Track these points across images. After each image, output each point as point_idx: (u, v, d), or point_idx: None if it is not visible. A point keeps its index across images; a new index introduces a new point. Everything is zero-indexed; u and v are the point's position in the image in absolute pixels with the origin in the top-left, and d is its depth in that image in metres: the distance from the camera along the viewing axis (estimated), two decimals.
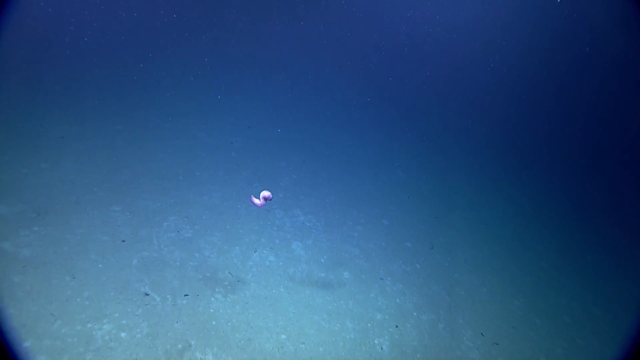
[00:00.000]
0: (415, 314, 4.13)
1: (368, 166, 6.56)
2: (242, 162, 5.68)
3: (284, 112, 6.53)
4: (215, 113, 6.34)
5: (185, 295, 3.60)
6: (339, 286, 4.22)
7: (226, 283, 3.85)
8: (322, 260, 4.47)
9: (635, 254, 5.80)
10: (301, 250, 4.52)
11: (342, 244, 4.82)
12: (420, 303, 4.26)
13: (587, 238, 5.77)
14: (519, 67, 8.42)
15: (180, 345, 3.21)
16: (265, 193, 3.48)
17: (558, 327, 4.58)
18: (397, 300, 4.22)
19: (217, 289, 3.75)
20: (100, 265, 3.62)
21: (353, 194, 5.81)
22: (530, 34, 8.85)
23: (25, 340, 2.92)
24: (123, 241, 3.92)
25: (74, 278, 3.44)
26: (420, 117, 6.81)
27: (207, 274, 3.88)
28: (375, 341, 3.77)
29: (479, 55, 8.63)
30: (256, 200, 3.53)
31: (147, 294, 3.49)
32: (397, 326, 3.97)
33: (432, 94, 7.30)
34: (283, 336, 3.53)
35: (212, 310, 3.54)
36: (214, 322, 3.45)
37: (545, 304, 4.78)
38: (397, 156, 6.85)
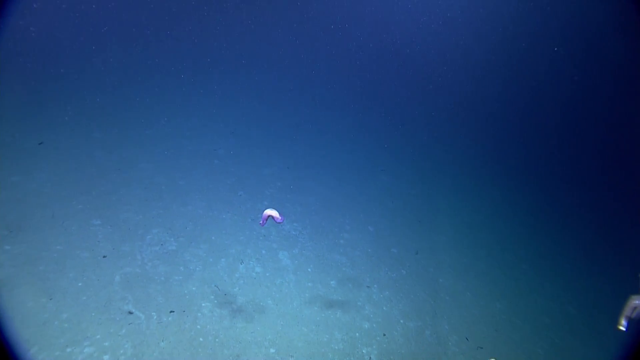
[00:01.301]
0: (402, 321, 4.17)
1: (352, 171, 6.58)
2: (226, 170, 5.60)
3: (267, 118, 6.46)
4: (198, 119, 6.20)
5: (171, 311, 3.53)
6: (326, 296, 4.22)
7: (213, 297, 3.79)
8: (309, 270, 4.46)
9: (607, 254, 6.04)
10: (288, 260, 4.50)
11: (329, 252, 4.82)
12: (406, 310, 4.31)
13: (563, 240, 5.97)
14: (502, 72, 8.59)
15: None
16: (272, 213, 3.40)
17: (538, 328, 4.73)
18: (384, 308, 4.26)
19: (203, 304, 3.69)
20: (79, 284, 3.50)
21: (338, 200, 5.82)
22: (511, 37, 9.04)
23: None
24: (104, 257, 3.80)
25: (51, 299, 3.31)
26: (403, 120, 6.87)
27: (193, 289, 3.81)
28: (364, 350, 3.79)
29: (463, 59, 8.75)
30: (270, 213, 3.47)
31: (130, 313, 3.40)
32: (384, 334, 4.00)
33: (415, 98, 7.38)
34: (272, 350, 3.51)
35: (199, 327, 3.48)
36: (201, 339, 3.39)
37: (526, 306, 4.92)
38: (381, 160, 6.89)
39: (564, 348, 4.61)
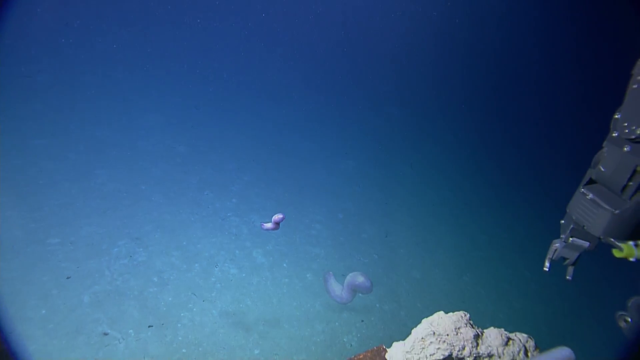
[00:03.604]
0: (377, 305, 4.35)
1: (317, 158, 6.54)
2: (189, 169, 5.38)
3: (227, 108, 6.20)
4: (153, 115, 5.81)
5: (149, 326, 3.44)
6: (303, 290, 4.29)
7: (191, 305, 3.74)
8: (285, 265, 4.49)
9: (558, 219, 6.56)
10: (262, 258, 4.49)
11: (302, 244, 4.86)
12: (381, 294, 4.49)
13: (519, 212, 6.40)
14: (468, 60, 8.70)
15: None
16: (277, 217, 3.09)
17: (499, 295, 5.13)
18: (360, 295, 4.41)
19: (182, 314, 3.63)
20: (43, 312, 3.30)
21: (307, 190, 5.81)
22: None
23: None
24: (68, 278, 3.59)
25: (12, 333, 3.11)
26: (363, 104, 6.90)
27: (170, 299, 3.73)
28: (344, 339, 3.93)
29: (432, 42, 8.71)
30: (268, 225, 3.20)
31: (105, 334, 3.28)
32: (362, 320, 4.16)
33: (368, 81, 7.40)
34: (256, 351, 3.55)
35: (180, 338, 3.43)
36: (184, 350, 3.36)
37: (488, 275, 5.30)
38: (344, 145, 6.90)
39: (520, 310, 5.06)
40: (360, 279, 2.67)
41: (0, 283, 3.50)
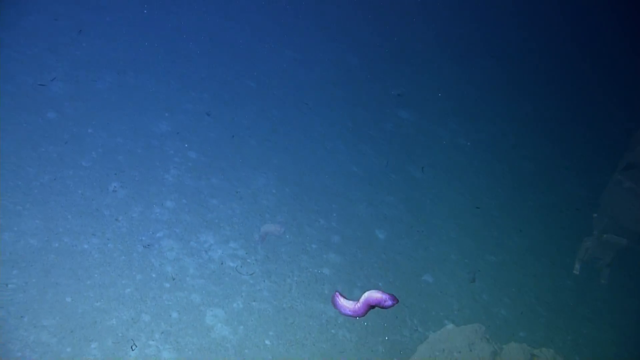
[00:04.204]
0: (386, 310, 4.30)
1: (327, 162, 6.40)
2: (201, 175, 5.33)
3: (236, 114, 6.15)
4: (164, 123, 5.78)
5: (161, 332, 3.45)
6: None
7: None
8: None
9: (573, 222, 6.41)
10: (198, 298, 4.45)
11: (315, 251, 4.79)
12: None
13: (532, 213, 6.27)
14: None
15: None
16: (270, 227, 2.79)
17: (515, 301, 5.01)
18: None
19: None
20: (58, 319, 3.33)
21: (315, 194, 5.70)
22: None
23: None
24: (82, 285, 3.63)
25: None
26: (373, 106, 6.84)
27: (197, 299, 3.73)
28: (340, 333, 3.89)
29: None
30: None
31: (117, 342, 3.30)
32: (365, 323, 4.12)
33: (382, 81, 7.32)
34: None
35: None
36: None
37: (502, 281, 5.18)
38: (355, 149, 6.78)
39: (545, 321, 4.94)
40: (377, 295, 2.51)
41: (15, 291, 3.55)
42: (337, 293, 2.71)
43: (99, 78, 5.45)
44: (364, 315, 2.72)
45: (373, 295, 2.58)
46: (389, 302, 2.51)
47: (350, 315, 2.74)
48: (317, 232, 4.93)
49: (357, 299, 2.64)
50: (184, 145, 5.19)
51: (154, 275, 4.01)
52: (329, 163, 5.72)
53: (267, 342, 3.91)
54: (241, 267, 4.37)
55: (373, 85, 6.93)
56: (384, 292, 2.54)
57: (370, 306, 2.60)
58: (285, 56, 6.86)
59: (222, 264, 4.34)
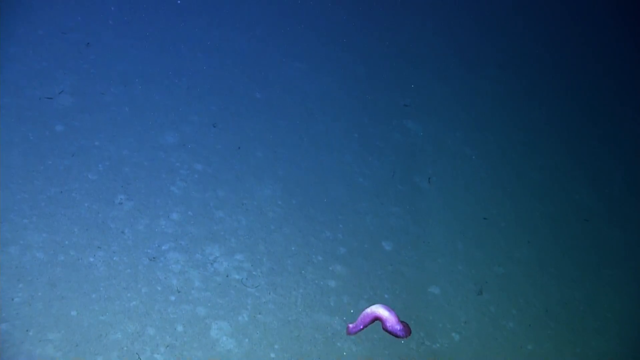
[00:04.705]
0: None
1: (336, 173, 6.38)
2: (207, 187, 5.36)
3: (242, 126, 6.16)
4: (170, 135, 5.82)
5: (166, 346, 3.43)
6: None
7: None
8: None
9: (582, 234, 6.33)
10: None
11: (322, 263, 4.76)
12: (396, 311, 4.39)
13: (540, 224, 6.21)
14: None
15: None
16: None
17: (523, 313, 4.94)
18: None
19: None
20: (62, 332, 3.32)
21: (323, 206, 5.68)
22: None
23: None
24: (88, 299, 3.63)
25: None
26: (381, 118, 6.83)
27: (201, 311, 3.71)
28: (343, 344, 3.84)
29: None
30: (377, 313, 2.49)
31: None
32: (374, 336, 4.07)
33: (390, 92, 7.30)
34: None
35: None
36: None
37: (510, 295, 5.11)
38: (362, 160, 6.78)
39: (553, 337, 4.87)
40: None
41: (21, 305, 3.55)
42: (348, 326, 2.67)
43: (106, 91, 5.52)
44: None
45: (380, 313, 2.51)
46: (398, 332, 2.41)
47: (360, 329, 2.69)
48: (323, 243, 4.90)
49: (362, 311, 2.58)
50: (190, 157, 5.22)
51: (159, 288, 4.00)
52: (335, 174, 5.72)
53: (272, 355, 3.90)
54: (247, 279, 4.35)
55: (380, 95, 6.92)
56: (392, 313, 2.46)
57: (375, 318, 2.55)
58: (292, 67, 6.88)
59: (227, 276, 4.32)
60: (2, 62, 5.25)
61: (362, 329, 2.86)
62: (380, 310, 2.92)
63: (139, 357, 3.40)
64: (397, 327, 2.62)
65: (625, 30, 9.26)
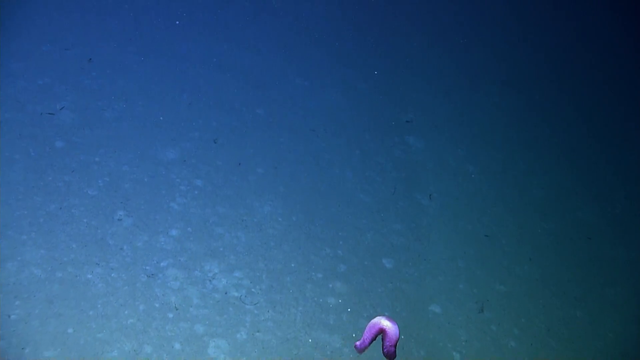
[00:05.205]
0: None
1: (336, 189, 6.39)
2: (207, 203, 5.35)
3: (243, 143, 6.18)
4: (170, 150, 5.85)
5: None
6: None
7: None
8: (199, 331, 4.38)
9: (584, 251, 6.28)
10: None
11: (321, 279, 4.72)
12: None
13: (542, 241, 6.17)
14: None
15: None
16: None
17: (525, 332, 4.87)
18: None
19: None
20: (59, 350, 3.28)
21: (322, 223, 5.66)
22: None
23: None
24: (85, 315, 3.59)
25: None
26: (382, 134, 6.85)
27: (200, 330, 3.66)
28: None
29: None
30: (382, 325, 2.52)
31: None
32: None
33: (391, 109, 7.34)
34: None
35: None
36: None
37: (511, 312, 5.04)
38: (362, 176, 6.79)
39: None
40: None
41: (17, 322, 3.52)
42: (356, 344, 2.65)
43: (108, 107, 5.55)
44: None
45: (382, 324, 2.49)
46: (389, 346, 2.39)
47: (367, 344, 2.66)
48: (322, 261, 4.86)
49: (362, 329, 2.52)
50: (190, 172, 5.23)
51: (157, 305, 3.97)
52: (336, 191, 5.70)
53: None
54: (245, 296, 4.31)
55: (381, 111, 6.95)
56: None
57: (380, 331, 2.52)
58: (293, 83, 6.92)
59: (226, 293, 4.28)
60: (3, 77, 5.31)
61: (369, 344, 2.84)
62: (383, 321, 2.93)
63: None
64: (393, 349, 2.63)
65: (635, 52, 9.27)
